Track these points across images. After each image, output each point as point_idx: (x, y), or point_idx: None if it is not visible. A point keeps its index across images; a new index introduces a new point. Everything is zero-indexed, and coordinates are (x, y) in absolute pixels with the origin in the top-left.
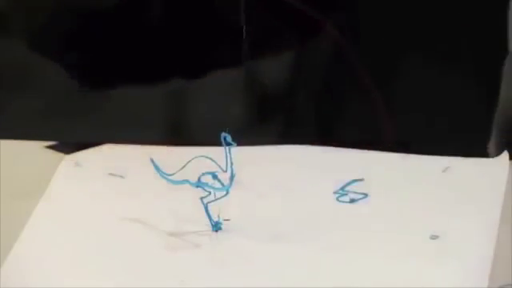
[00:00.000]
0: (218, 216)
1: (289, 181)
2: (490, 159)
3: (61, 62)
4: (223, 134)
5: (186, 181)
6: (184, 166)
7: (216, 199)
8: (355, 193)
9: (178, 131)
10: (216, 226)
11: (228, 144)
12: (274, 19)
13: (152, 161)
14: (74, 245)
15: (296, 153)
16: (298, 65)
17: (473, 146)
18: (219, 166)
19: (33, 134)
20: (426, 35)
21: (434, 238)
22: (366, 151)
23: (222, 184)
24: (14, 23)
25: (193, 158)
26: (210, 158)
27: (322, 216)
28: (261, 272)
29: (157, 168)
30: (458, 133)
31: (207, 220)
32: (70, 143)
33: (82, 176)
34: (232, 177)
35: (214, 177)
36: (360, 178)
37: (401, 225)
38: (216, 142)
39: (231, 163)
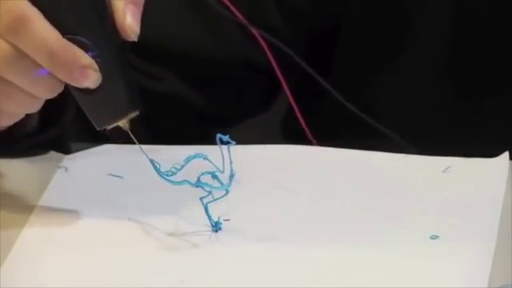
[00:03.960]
0: (219, 217)
1: (289, 181)
2: (490, 159)
3: None
4: (219, 135)
5: (186, 181)
6: (183, 167)
7: (216, 199)
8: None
9: None
10: (216, 226)
11: (227, 142)
12: None
13: (151, 161)
14: (73, 245)
15: (296, 153)
16: None
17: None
18: (216, 167)
19: None
20: None
21: (433, 238)
22: (365, 151)
23: (222, 184)
24: None
25: (192, 159)
26: (207, 158)
27: (322, 216)
28: (261, 272)
29: (156, 168)
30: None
31: (207, 220)
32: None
33: (81, 176)
34: (231, 176)
35: (214, 176)
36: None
37: (401, 225)
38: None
39: (230, 162)
